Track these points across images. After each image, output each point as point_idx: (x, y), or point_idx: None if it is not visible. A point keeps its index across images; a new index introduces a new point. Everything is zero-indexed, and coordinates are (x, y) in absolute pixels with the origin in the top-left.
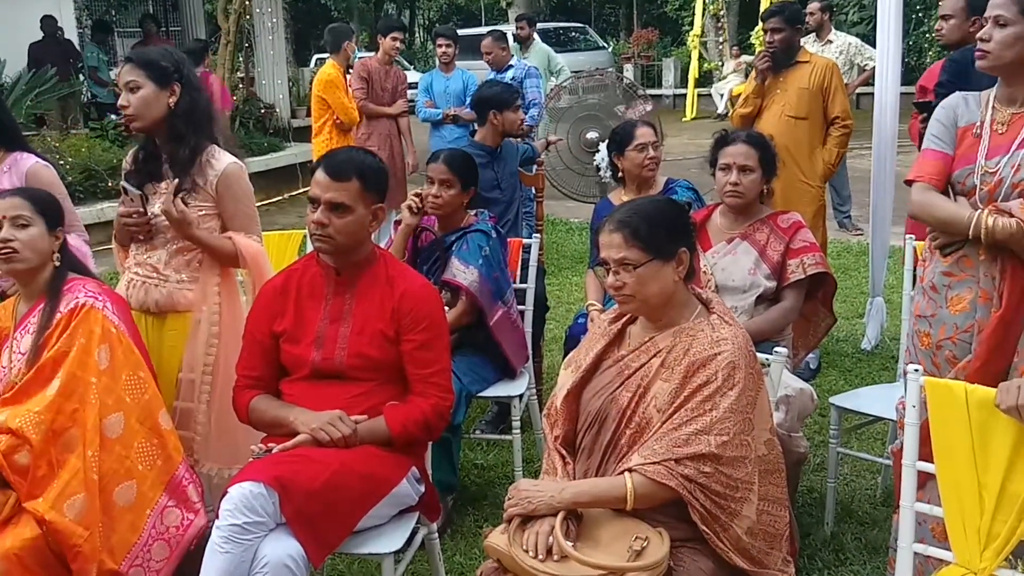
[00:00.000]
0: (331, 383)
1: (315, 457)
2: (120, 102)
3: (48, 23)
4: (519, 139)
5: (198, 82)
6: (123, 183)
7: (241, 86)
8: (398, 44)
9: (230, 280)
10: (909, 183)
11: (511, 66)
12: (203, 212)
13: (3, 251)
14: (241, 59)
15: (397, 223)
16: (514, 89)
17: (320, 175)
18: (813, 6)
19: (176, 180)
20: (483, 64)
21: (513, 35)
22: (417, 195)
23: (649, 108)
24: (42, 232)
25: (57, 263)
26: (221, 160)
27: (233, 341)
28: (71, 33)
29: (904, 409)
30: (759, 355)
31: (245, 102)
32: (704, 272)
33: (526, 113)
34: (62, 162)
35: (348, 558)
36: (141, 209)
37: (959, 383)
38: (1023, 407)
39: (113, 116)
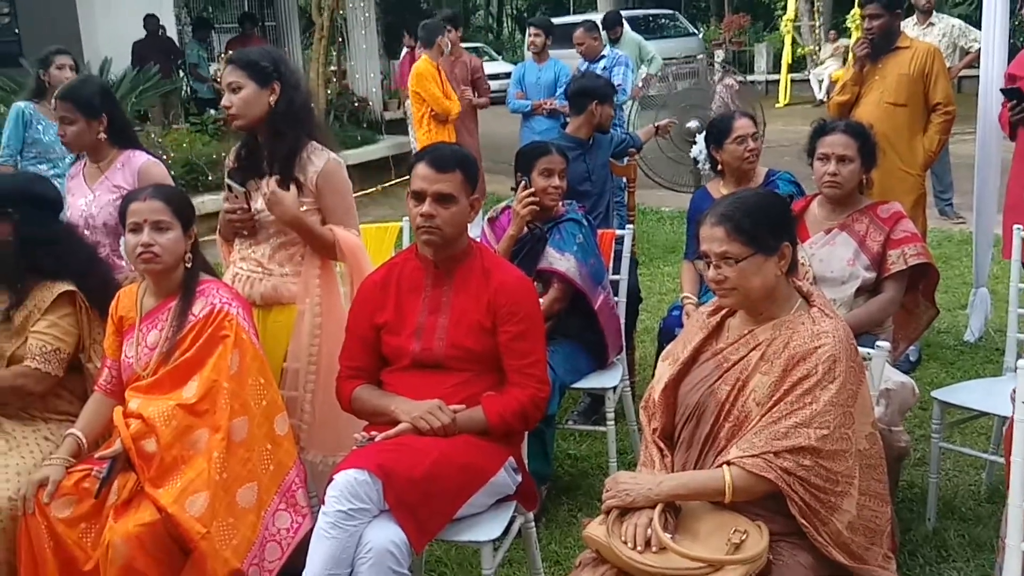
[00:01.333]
0: (430, 372)
1: (416, 446)
2: (223, 102)
3: (150, 21)
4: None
5: (296, 80)
6: (227, 180)
7: (335, 79)
8: (452, 36)
9: (330, 273)
10: None
11: (603, 56)
12: (305, 208)
13: (144, 255)
14: (335, 53)
15: (491, 221)
16: (612, 84)
17: (424, 169)
18: None
19: (276, 177)
20: (573, 53)
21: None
22: (531, 192)
23: (735, 84)
24: (179, 235)
25: (188, 264)
26: (321, 156)
27: (335, 332)
28: (172, 31)
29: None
30: (860, 349)
31: (339, 95)
32: (802, 263)
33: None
34: (164, 157)
35: (447, 545)
36: (245, 205)
37: None
38: None
39: (212, 111)
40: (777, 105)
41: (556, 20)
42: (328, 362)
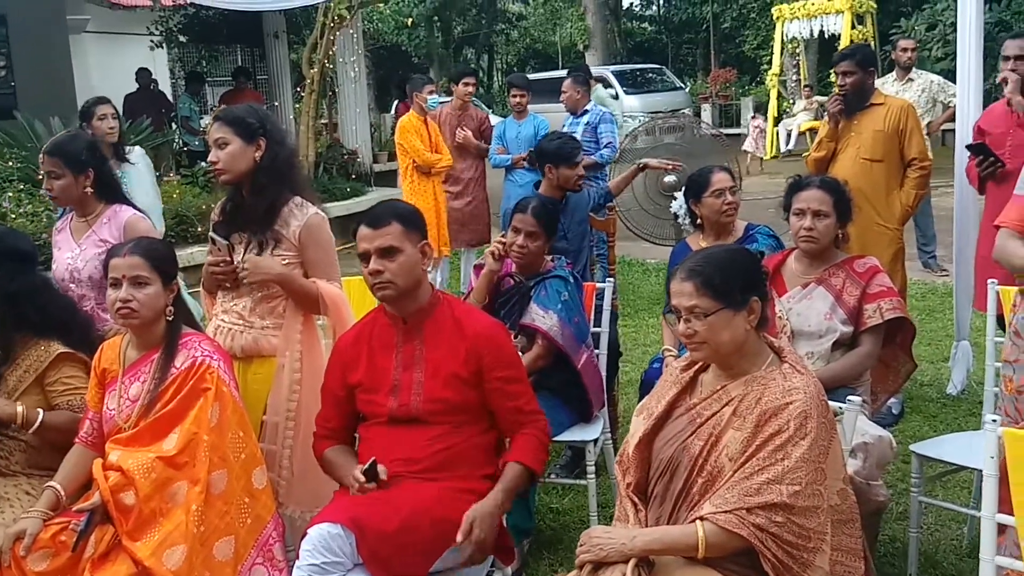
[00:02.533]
0: (408, 427)
1: (391, 499)
2: (210, 158)
3: (143, 75)
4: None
5: (281, 137)
6: (211, 233)
7: (325, 132)
8: (470, 89)
9: (312, 326)
10: (997, 228)
11: (587, 111)
12: (287, 261)
13: (122, 310)
14: (325, 106)
15: (478, 267)
16: (575, 144)
17: (362, 231)
18: (909, 43)
19: (250, 236)
20: (560, 107)
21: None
22: (501, 242)
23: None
24: (158, 290)
25: (170, 317)
26: (304, 210)
27: (314, 386)
28: (165, 84)
29: None
30: (832, 404)
31: (329, 148)
32: (780, 318)
33: (601, 151)
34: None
35: None
36: (228, 258)
37: None
38: None
39: (203, 163)
40: (764, 158)
41: (543, 75)
42: (307, 416)
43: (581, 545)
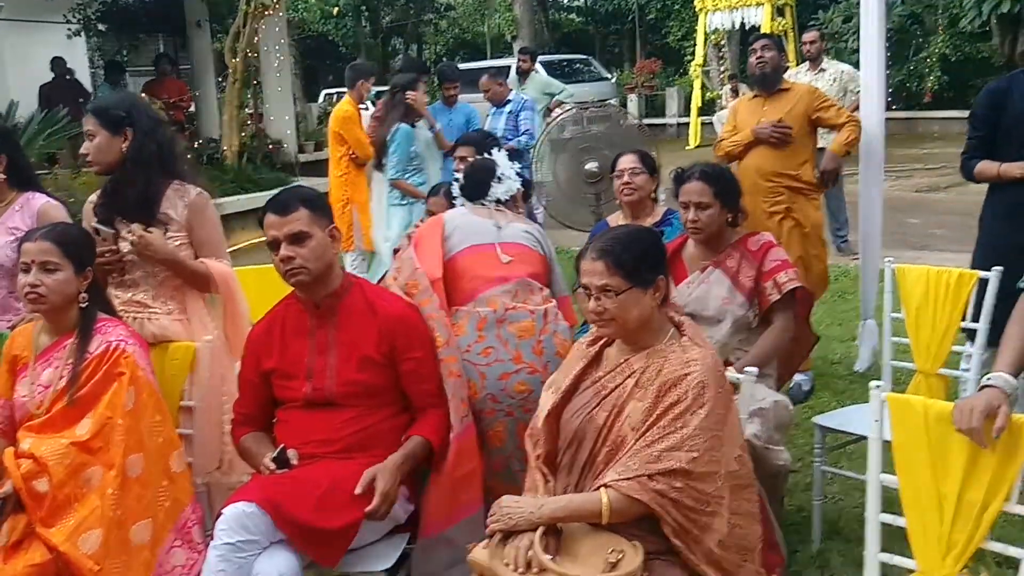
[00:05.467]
0: (323, 410)
1: (308, 476)
2: (81, 150)
3: (58, 64)
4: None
5: (150, 126)
6: (95, 224)
7: (250, 122)
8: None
9: (204, 305)
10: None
11: (509, 100)
12: (178, 242)
13: (29, 295)
14: (249, 96)
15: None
16: (492, 139)
17: (269, 218)
18: (811, 35)
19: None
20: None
21: (516, 68)
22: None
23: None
24: (69, 276)
25: (83, 304)
26: (188, 192)
27: (216, 364)
28: (84, 73)
29: None
30: (729, 374)
31: (253, 138)
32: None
33: (519, 138)
34: (72, 199)
35: None
36: (115, 247)
37: (918, 399)
38: (975, 430)
39: None
40: (688, 147)
41: (473, 64)
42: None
43: (491, 515)
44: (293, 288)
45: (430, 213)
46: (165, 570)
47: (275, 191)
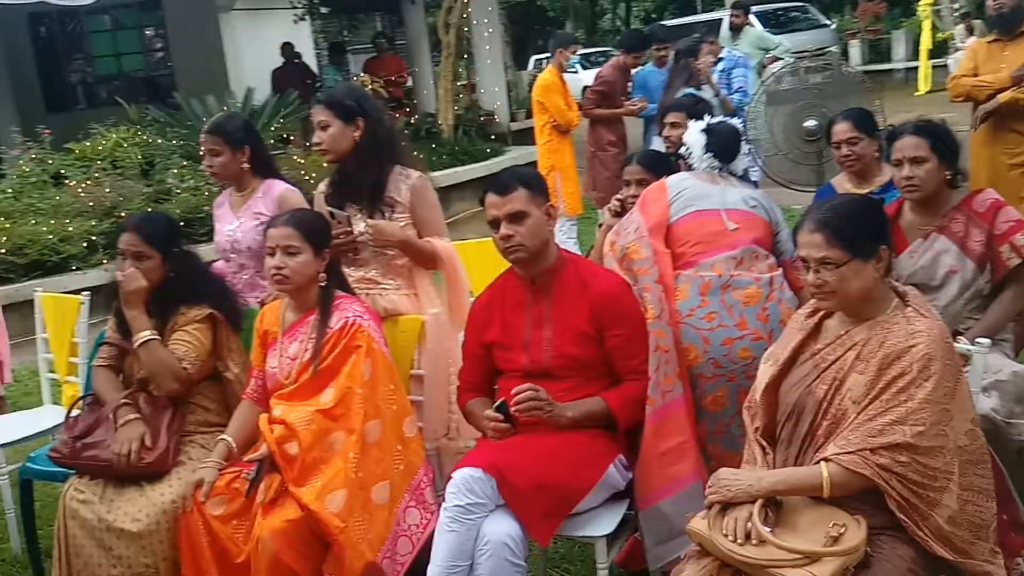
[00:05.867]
0: (540, 381)
1: (529, 444)
2: (314, 139)
3: (287, 49)
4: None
5: (379, 115)
6: (329, 208)
7: (462, 95)
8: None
9: (430, 281)
10: None
11: (721, 58)
12: (403, 223)
13: (275, 276)
14: (463, 68)
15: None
16: (704, 105)
17: (490, 198)
18: None
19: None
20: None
21: (729, 23)
22: (619, 199)
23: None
24: (309, 258)
25: (323, 283)
26: (410, 176)
27: (442, 335)
28: (310, 56)
29: None
30: (960, 347)
31: (467, 110)
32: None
33: (732, 96)
34: (305, 176)
35: (569, 542)
36: (349, 228)
37: None
38: None
39: None
40: (917, 93)
41: (682, 20)
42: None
43: (710, 487)
44: (511, 264)
45: (626, 183)
46: (402, 528)
47: (489, 162)
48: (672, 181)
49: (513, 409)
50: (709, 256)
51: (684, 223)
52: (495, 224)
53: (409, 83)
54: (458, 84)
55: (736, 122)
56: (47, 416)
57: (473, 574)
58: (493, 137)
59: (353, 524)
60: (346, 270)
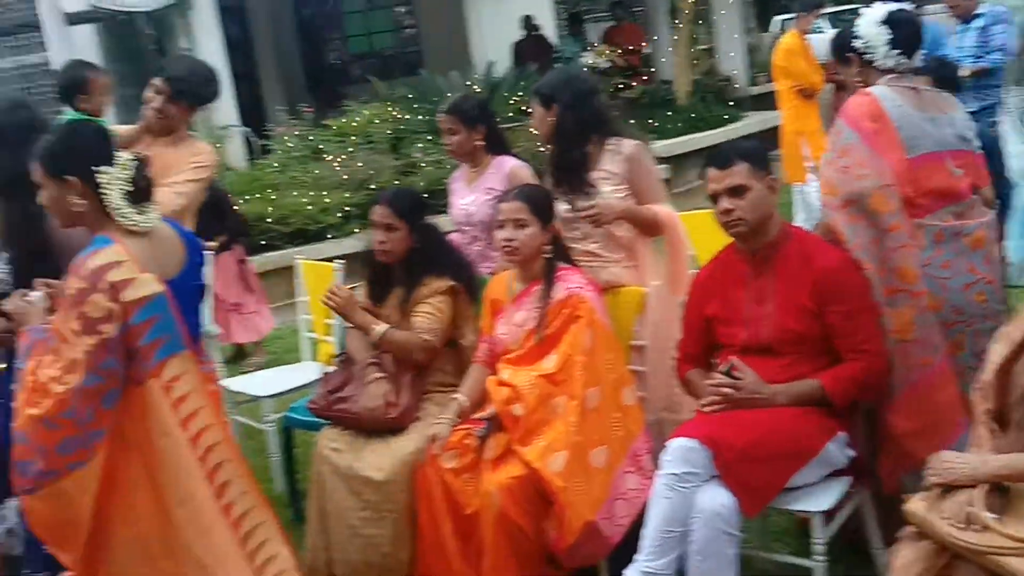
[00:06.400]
0: (759, 356)
1: (745, 418)
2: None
3: (527, 22)
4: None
5: (571, 99)
6: (559, 196)
7: (700, 60)
8: None
9: (651, 253)
10: None
11: (980, 13)
12: (622, 195)
13: (505, 248)
14: (701, 33)
15: None
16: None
17: (710, 172)
18: None
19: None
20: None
21: None
22: None
23: None
24: (536, 231)
25: (548, 255)
26: (624, 146)
27: (663, 307)
28: (550, 28)
29: None
30: None
31: (704, 75)
32: None
33: (990, 56)
34: (542, 148)
35: (788, 516)
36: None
37: None
38: None
39: None
40: None
41: None
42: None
43: (931, 468)
44: (732, 238)
45: None
46: (620, 492)
47: (726, 128)
48: (885, 102)
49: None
50: (938, 207)
51: (914, 168)
52: (715, 198)
53: (647, 50)
54: (696, 49)
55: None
56: (306, 371)
57: (687, 541)
58: (732, 103)
59: (573, 484)
60: (570, 243)
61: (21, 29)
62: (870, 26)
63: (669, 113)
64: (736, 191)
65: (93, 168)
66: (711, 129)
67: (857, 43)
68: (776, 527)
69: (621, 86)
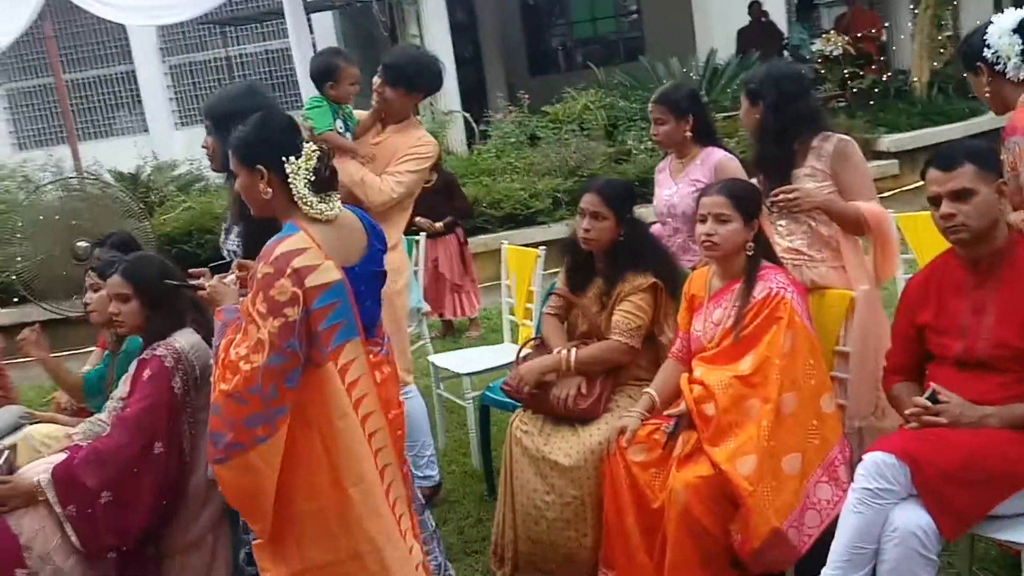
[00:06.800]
0: (972, 372)
1: (949, 437)
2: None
3: (754, 8)
4: None
5: (775, 99)
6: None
7: (944, 50)
8: None
9: (860, 254)
10: None
11: None
12: (828, 190)
13: (705, 243)
14: (947, 19)
15: None
16: None
17: (932, 173)
18: None
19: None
20: None
21: None
22: None
23: None
24: (738, 227)
25: (750, 252)
26: (829, 141)
27: (872, 313)
28: (780, 14)
29: None
30: None
31: (947, 64)
32: None
33: None
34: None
35: (986, 542)
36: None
37: None
38: None
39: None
40: None
41: None
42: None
43: None
44: (952, 244)
45: None
46: (812, 502)
47: (967, 123)
48: None
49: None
50: None
51: None
52: (936, 201)
53: (883, 38)
54: (940, 37)
55: None
56: (506, 353)
57: (878, 560)
58: (973, 96)
59: (762, 489)
60: (775, 240)
61: (266, 16)
62: (1002, 35)
63: (903, 105)
64: (960, 195)
65: (282, 158)
66: (949, 123)
67: (987, 52)
68: (983, 555)
69: (851, 75)
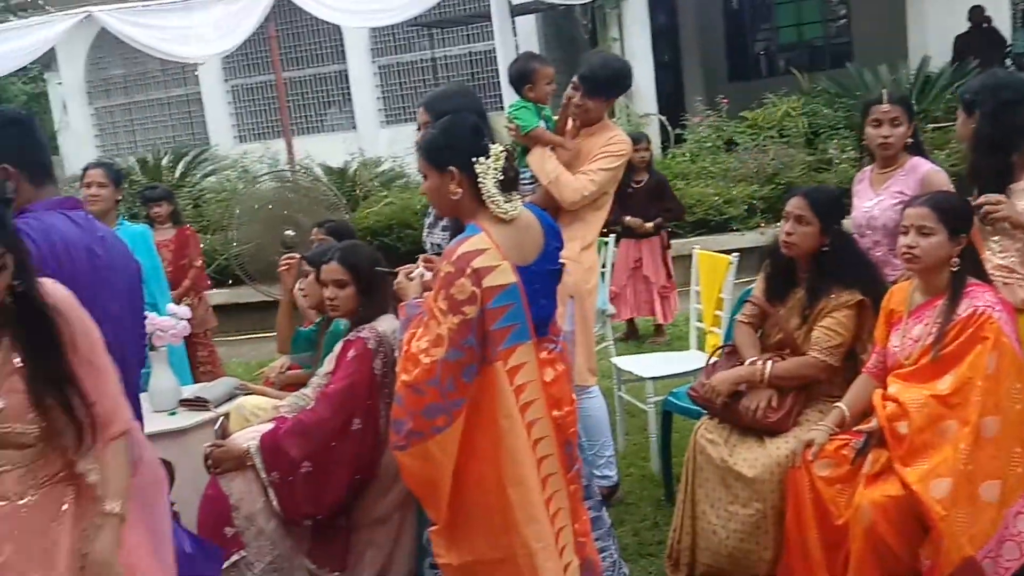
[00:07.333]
0: None
1: None
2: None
3: (975, 13)
4: None
5: (993, 109)
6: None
7: None
8: None
9: None
10: None
11: None
12: None
13: (906, 255)
14: None
15: None
16: None
17: None
18: None
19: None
20: None
21: None
22: None
23: None
24: (943, 240)
25: (955, 267)
26: None
27: None
28: (1004, 20)
29: None
30: None
31: None
32: None
33: None
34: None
35: None
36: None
37: None
38: None
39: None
40: None
41: None
42: None
43: None
44: None
45: None
46: (1010, 533)
47: None
48: None
49: None
50: None
51: None
52: None
53: None
54: None
55: None
56: (691, 359)
57: None
58: None
59: (955, 515)
60: (985, 256)
61: (472, 19)
62: None
63: None
64: None
65: (471, 159)
66: None
67: None
68: None
69: None
